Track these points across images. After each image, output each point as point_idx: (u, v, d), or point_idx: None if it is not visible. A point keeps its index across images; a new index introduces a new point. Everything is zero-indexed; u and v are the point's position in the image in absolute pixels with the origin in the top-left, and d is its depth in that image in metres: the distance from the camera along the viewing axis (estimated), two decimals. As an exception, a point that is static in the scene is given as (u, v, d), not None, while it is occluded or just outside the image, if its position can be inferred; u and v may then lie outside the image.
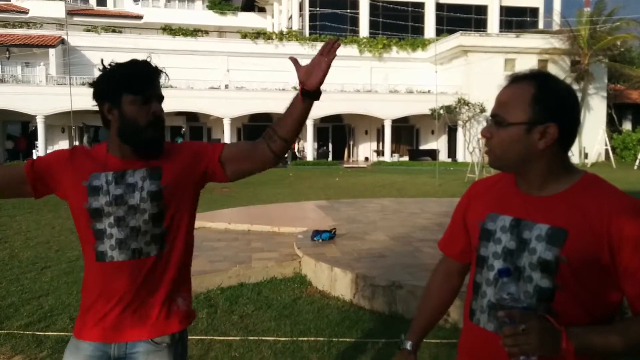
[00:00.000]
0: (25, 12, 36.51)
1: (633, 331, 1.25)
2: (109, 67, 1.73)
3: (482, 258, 1.43)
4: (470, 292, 1.48)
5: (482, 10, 35.50)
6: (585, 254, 1.26)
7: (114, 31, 31.44)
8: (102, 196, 1.70)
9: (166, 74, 1.78)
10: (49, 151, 26.64)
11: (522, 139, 1.33)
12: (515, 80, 1.38)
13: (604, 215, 1.27)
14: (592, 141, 29.23)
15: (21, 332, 4.09)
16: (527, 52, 29.24)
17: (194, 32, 31.66)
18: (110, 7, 42.36)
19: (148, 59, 1.76)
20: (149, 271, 1.73)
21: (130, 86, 1.67)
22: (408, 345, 1.62)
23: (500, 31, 33.63)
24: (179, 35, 31.10)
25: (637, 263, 1.24)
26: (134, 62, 1.73)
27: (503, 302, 1.22)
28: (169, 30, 31.68)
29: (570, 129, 1.33)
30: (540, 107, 1.31)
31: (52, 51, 28.09)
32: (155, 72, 1.73)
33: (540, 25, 35.63)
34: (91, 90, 1.75)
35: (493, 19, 35.31)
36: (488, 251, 1.41)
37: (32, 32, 29.81)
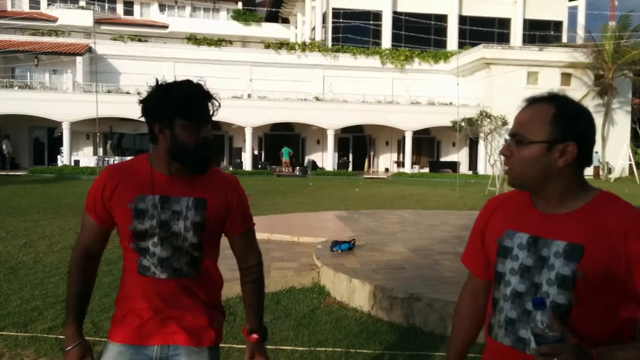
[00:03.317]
0: (54, 20, 37.45)
1: None
2: (161, 86, 1.74)
3: (499, 274, 1.47)
4: (490, 308, 1.51)
5: (505, 23, 35.33)
6: (602, 269, 1.29)
7: (139, 40, 31.98)
8: (147, 220, 1.74)
9: (215, 99, 1.78)
10: (74, 157, 27.44)
11: (543, 157, 1.37)
12: (534, 101, 1.43)
13: (621, 231, 1.30)
14: (616, 156, 28.78)
15: (45, 335, 4.18)
16: (550, 65, 29.02)
17: (218, 41, 32.08)
18: (136, 16, 43.20)
19: (201, 82, 1.77)
20: (188, 290, 1.79)
21: (184, 112, 1.69)
22: None
23: (524, 44, 33.40)
24: (204, 44, 31.52)
25: None
26: (187, 86, 1.73)
27: (536, 331, 1.23)
28: (194, 39, 32.12)
29: (587, 148, 1.39)
30: (560, 126, 1.36)
31: (79, 59, 28.70)
32: (208, 97, 1.75)
33: (564, 39, 35.29)
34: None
35: (516, 32, 35.08)
36: (505, 267, 1.45)
37: (60, 40, 30.52)
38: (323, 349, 4.04)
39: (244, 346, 4.02)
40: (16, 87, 27.60)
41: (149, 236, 1.76)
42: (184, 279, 1.78)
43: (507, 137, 1.46)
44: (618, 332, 1.35)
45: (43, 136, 30.24)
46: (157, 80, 1.78)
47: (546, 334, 1.21)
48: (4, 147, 27.99)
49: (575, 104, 1.41)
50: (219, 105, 1.78)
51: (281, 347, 4.05)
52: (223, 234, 1.91)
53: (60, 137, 27.58)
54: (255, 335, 1.80)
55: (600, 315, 1.33)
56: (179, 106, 1.69)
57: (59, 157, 28.30)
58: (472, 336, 1.67)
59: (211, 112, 1.76)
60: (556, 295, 1.34)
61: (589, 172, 26.91)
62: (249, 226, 1.92)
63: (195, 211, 1.76)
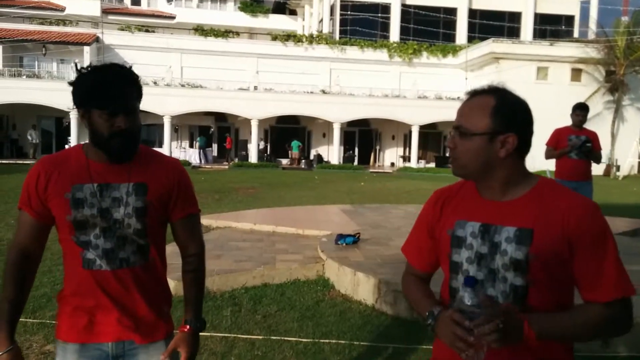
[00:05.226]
0: (62, 10, 37.46)
1: (579, 317, 1.38)
2: (83, 71, 1.69)
3: (455, 264, 1.49)
4: (447, 297, 1.53)
5: (515, 17, 35.04)
6: (551, 249, 1.37)
7: (147, 30, 31.94)
8: (86, 208, 1.69)
9: (138, 86, 1.70)
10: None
11: (485, 148, 1.43)
12: (476, 94, 1.49)
13: (563, 213, 1.38)
14: (625, 153, 28.57)
15: (53, 321, 4.22)
16: (561, 60, 28.75)
17: (225, 33, 32.01)
18: (144, 6, 43.14)
19: (128, 66, 1.71)
20: (137, 280, 1.76)
21: (96, 100, 1.64)
22: (436, 310, 1.48)
23: (534, 39, 33.10)
24: (210, 35, 31.46)
25: (589, 256, 1.36)
26: (105, 71, 1.66)
27: (463, 307, 1.29)
28: (201, 30, 32.04)
29: (526, 138, 1.45)
30: (500, 118, 1.43)
31: (86, 49, 28.72)
32: (127, 84, 1.67)
33: (576, 34, 34.95)
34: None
35: (527, 27, 34.73)
36: (461, 257, 1.48)
37: (68, 29, 30.50)
38: (327, 340, 4.07)
39: (249, 337, 4.07)
40: (24, 76, 27.71)
41: (90, 227, 1.70)
42: (131, 268, 1.74)
43: (452, 130, 1.50)
44: (568, 305, 1.44)
45: (51, 125, 30.37)
46: (76, 65, 1.74)
47: (475, 310, 1.27)
48: (29, 136, 28.23)
49: (514, 96, 1.46)
50: (139, 93, 1.71)
51: (285, 338, 4.08)
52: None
53: (68, 127, 27.70)
54: (187, 327, 1.77)
55: (554, 293, 1.41)
56: (91, 93, 1.63)
57: (66, 146, 28.40)
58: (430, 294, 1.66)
59: (133, 100, 1.68)
60: (513, 278, 1.39)
61: (598, 171, 26.72)
62: (192, 211, 1.86)
63: (136, 196, 1.72)
